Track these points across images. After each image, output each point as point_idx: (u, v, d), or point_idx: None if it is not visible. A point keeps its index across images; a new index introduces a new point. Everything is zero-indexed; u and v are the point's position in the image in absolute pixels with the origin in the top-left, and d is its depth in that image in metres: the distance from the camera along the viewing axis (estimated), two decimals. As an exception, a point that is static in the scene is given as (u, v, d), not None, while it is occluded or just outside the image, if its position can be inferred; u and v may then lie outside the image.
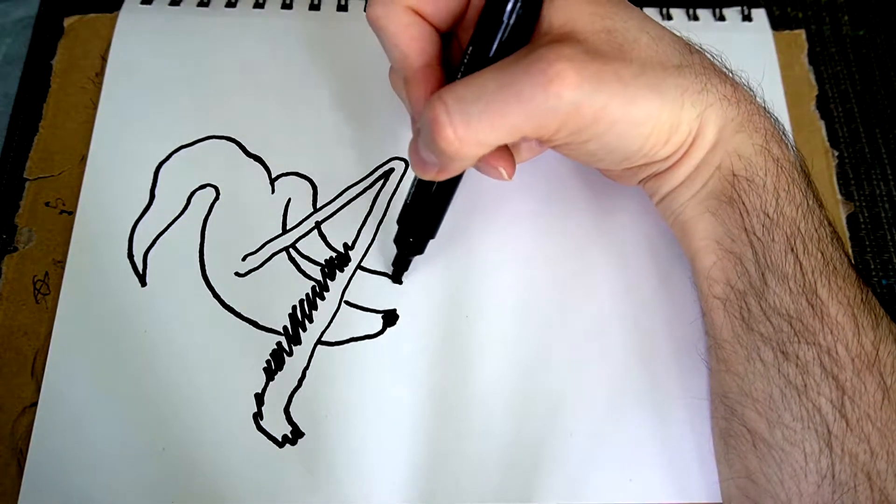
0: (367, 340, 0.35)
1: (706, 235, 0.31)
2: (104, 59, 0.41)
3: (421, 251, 0.35)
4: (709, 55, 0.31)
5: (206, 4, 0.42)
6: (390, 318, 0.35)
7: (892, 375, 0.28)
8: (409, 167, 0.32)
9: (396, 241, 0.35)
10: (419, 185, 0.32)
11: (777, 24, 0.44)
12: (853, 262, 0.31)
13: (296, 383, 0.34)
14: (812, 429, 0.28)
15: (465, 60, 0.29)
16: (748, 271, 0.30)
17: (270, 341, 0.35)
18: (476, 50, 0.29)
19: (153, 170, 0.38)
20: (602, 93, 0.26)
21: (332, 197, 0.38)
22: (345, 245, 0.37)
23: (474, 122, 0.26)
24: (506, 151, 0.31)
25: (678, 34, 0.31)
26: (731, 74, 0.31)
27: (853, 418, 0.27)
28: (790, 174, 0.30)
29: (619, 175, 0.34)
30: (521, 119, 0.26)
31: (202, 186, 0.38)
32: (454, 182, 0.32)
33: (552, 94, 0.25)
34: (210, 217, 0.37)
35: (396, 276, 0.36)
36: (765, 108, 0.31)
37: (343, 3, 0.43)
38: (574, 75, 0.26)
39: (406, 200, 0.33)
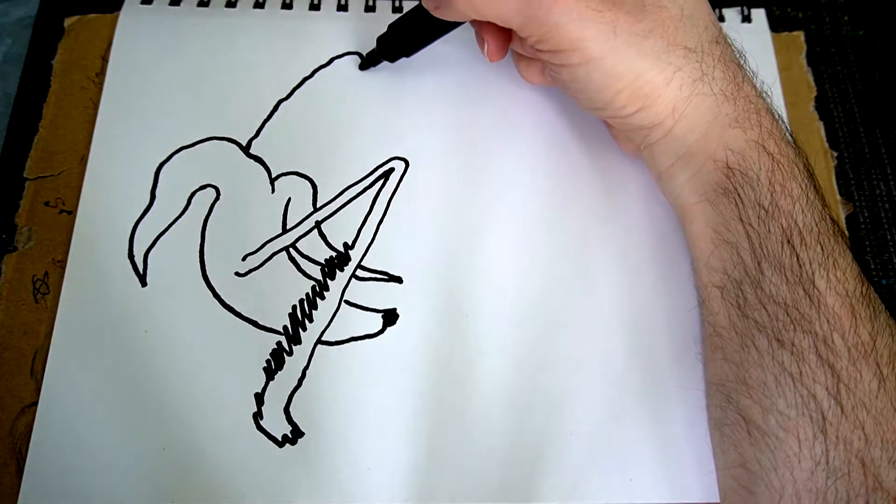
0: (367, 340, 0.35)
1: (704, 223, 0.32)
2: (104, 60, 0.41)
3: (392, 60, 0.39)
4: (736, 52, 0.33)
5: (206, 4, 0.42)
6: (390, 317, 0.35)
7: (889, 366, 0.28)
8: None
9: (379, 39, 0.39)
10: (419, 8, 0.36)
11: (777, 24, 0.44)
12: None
13: (296, 383, 0.34)
14: (807, 415, 0.28)
15: None
16: (744, 260, 0.30)
17: (270, 341, 0.35)
18: None
19: (154, 170, 0.38)
20: (587, 29, 0.29)
21: (332, 196, 0.38)
22: (345, 245, 0.37)
23: None
24: (501, 37, 0.34)
25: (717, 22, 0.33)
26: (746, 74, 0.32)
27: (848, 405, 0.27)
28: (787, 170, 0.31)
29: (617, 135, 0.37)
30: (516, 9, 0.30)
31: (203, 187, 0.38)
32: (447, 25, 0.35)
33: (544, 5, 0.29)
34: (210, 217, 0.37)
35: (364, 65, 0.40)
36: (771, 109, 0.32)
37: (343, 3, 0.43)
38: (570, 2, 0.29)
39: (405, 12, 0.38)
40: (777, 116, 0.32)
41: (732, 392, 0.31)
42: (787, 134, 0.32)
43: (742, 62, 0.33)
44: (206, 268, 0.36)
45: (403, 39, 0.38)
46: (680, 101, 0.31)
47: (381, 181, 0.38)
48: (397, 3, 0.43)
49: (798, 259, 0.29)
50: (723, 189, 0.31)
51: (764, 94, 0.33)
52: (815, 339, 0.28)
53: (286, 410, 0.33)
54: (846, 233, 0.39)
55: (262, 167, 0.38)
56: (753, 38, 0.43)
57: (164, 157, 0.38)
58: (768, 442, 0.29)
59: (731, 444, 0.31)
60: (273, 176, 0.38)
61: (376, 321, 0.35)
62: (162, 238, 0.36)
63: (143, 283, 0.35)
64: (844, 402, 0.27)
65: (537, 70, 0.36)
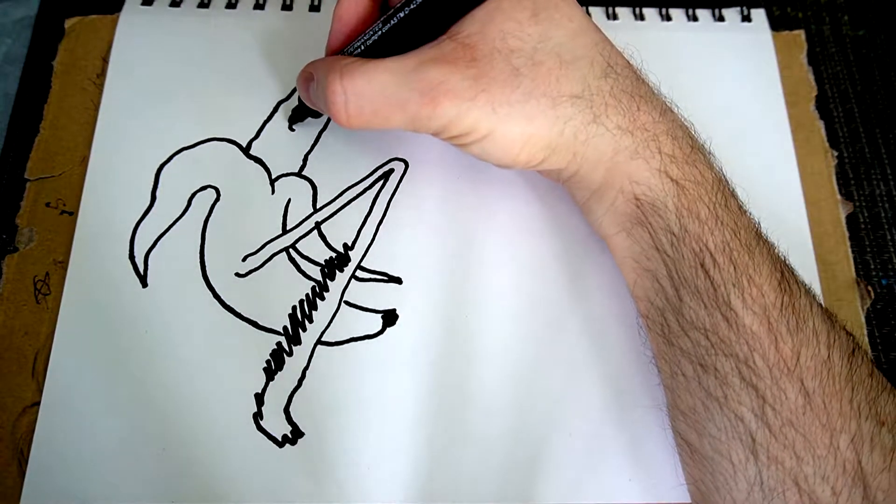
0: (367, 340, 0.35)
1: (625, 254, 0.32)
2: (105, 61, 0.41)
3: (316, 116, 0.38)
4: (630, 79, 0.32)
5: (207, 6, 0.42)
6: (390, 318, 0.35)
7: (815, 379, 0.28)
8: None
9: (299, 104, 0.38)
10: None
11: (777, 24, 0.44)
12: (788, 263, 0.31)
13: (296, 383, 0.34)
14: (736, 438, 0.28)
15: (377, 28, 0.32)
16: (664, 288, 0.31)
17: (270, 341, 0.35)
18: (387, 25, 0.32)
19: (154, 171, 0.38)
20: (472, 115, 0.30)
21: (332, 197, 0.38)
22: (345, 245, 0.37)
23: (365, 115, 0.31)
24: None
25: (607, 50, 0.32)
26: (642, 99, 0.31)
27: (776, 426, 0.27)
28: (693, 193, 0.31)
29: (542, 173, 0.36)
30: (403, 122, 0.31)
31: (203, 188, 0.38)
32: None
33: (426, 112, 0.30)
34: (211, 218, 0.37)
35: (293, 120, 0.39)
36: (670, 131, 0.31)
37: (343, 3, 0.43)
38: (448, 99, 0.29)
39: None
40: (681, 133, 0.32)
41: (672, 418, 0.31)
42: (696, 150, 0.32)
43: (637, 88, 0.32)
44: (207, 268, 0.36)
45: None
46: (578, 145, 0.31)
47: (381, 182, 0.38)
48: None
49: (712, 282, 0.29)
50: (636, 219, 0.31)
51: (666, 112, 0.32)
52: (736, 362, 0.28)
53: (286, 411, 0.34)
54: (846, 232, 0.39)
55: (262, 168, 0.38)
56: (753, 37, 0.43)
57: (165, 158, 0.38)
58: (706, 465, 0.29)
59: (683, 463, 0.31)
60: (273, 177, 0.38)
61: (376, 322, 0.35)
62: (162, 239, 0.37)
63: (144, 284, 0.36)
64: (771, 422, 0.27)
65: None
